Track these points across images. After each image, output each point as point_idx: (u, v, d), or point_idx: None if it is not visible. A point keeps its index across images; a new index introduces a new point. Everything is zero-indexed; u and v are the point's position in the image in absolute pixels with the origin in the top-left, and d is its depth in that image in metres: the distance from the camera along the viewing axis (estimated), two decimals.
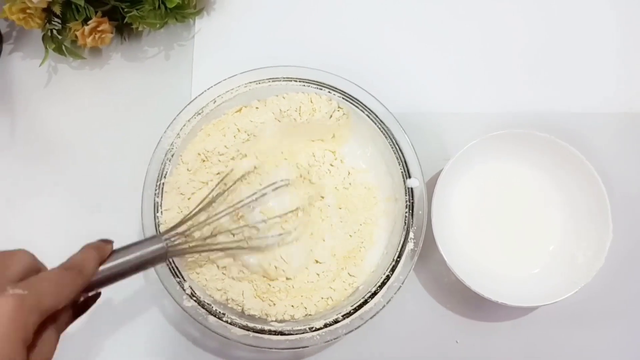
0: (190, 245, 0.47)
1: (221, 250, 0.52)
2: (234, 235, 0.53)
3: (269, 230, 0.53)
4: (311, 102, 0.56)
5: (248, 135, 0.56)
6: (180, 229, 0.46)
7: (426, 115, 0.63)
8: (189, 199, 0.55)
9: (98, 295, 0.40)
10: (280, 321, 0.52)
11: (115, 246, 0.41)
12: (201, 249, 0.50)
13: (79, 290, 0.36)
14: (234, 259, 0.53)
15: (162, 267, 0.51)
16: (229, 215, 0.51)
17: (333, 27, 0.67)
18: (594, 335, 0.57)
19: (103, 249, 0.39)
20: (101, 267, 0.38)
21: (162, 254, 0.42)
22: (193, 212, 0.48)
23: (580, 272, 0.53)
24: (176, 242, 0.45)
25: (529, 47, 0.66)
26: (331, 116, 0.57)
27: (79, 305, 0.39)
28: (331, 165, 0.58)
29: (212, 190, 0.51)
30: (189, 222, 0.47)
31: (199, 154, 0.55)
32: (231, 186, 0.52)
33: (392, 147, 0.55)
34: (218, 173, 0.55)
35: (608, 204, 0.54)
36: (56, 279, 0.34)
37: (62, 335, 0.55)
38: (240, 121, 0.56)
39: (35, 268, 0.35)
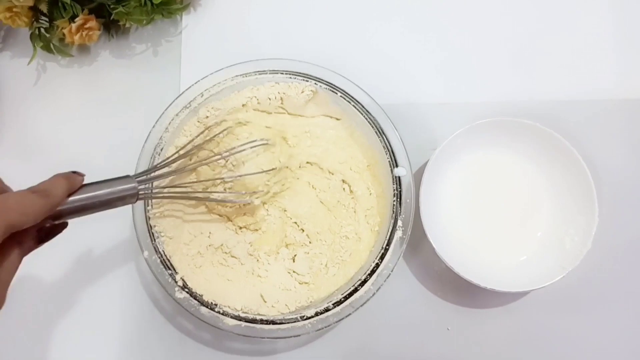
0: (162, 190, 0.47)
1: (192, 199, 0.52)
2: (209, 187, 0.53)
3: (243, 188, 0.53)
4: (289, 87, 0.57)
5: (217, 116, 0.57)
6: (155, 173, 0.46)
7: (414, 105, 0.63)
8: None
9: (65, 224, 0.40)
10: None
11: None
12: (171, 195, 0.50)
13: (45, 214, 0.35)
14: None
15: (153, 260, 0.51)
16: (206, 166, 0.51)
17: (319, 19, 0.67)
18: (584, 318, 0.58)
19: (73, 179, 0.39)
20: (70, 198, 0.38)
21: (132, 193, 0.42)
22: (170, 159, 0.48)
23: (568, 257, 0.54)
24: (149, 185, 0.45)
25: (514, 36, 0.67)
26: (302, 91, 0.57)
27: (44, 232, 0.38)
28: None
29: (193, 140, 0.51)
30: (164, 169, 0.47)
31: None
32: (213, 137, 0.52)
33: (378, 136, 0.55)
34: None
35: (594, 189, 0.54)
36: (23, 198, 0.34)
37: (57, 339, 0.56)
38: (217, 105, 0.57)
39: (0, 188, 0.35)
